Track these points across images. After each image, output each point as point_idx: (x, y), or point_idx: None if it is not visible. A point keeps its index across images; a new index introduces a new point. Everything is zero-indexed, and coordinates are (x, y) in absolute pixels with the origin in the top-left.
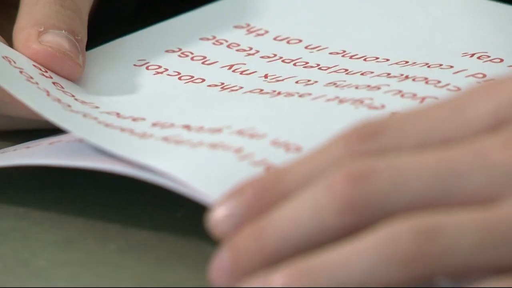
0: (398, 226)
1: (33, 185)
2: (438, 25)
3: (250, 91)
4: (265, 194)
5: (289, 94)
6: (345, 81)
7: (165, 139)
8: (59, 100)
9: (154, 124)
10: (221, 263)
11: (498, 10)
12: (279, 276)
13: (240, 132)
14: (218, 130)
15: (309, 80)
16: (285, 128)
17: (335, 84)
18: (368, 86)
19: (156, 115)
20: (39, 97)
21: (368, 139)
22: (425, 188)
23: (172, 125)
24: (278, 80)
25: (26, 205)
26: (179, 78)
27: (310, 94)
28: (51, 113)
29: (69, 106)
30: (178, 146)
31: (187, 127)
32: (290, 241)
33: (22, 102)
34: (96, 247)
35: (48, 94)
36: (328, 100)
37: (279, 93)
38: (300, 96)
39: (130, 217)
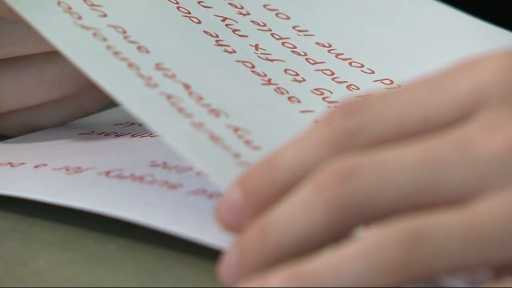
0: (384, 232)
1: None
2: (423, 38)
3: (243, 63)
4: (260, 184)
5: (279, 90)
6: (331, 92)
7: (169, 97)
8: (69, 10)
9: (157, 66)
10: (229, 260)
11: (483, 30)
12: (274, 279)
13: (236, 130)
14: (217, 115)
15: (297, 74)
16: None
17: (322, 93)
18: None
19: (158, 49)
20: (49, 11)
21: (349, 115)
22: (409, 184)
23: (173, 76)
24: (268, 59)
25: (26, 205)
26: (177, 8)
27: (299, 102)
28: (61, 37)
29: (79, 18)
30: (180, 115)
31: (188, 87)
32: (288, 240)
33: (32, 25)
34: (96, 247)
35: (59, 2)
36: (316, 121)
37: (269, 82)
38: (289, 99)
39: None
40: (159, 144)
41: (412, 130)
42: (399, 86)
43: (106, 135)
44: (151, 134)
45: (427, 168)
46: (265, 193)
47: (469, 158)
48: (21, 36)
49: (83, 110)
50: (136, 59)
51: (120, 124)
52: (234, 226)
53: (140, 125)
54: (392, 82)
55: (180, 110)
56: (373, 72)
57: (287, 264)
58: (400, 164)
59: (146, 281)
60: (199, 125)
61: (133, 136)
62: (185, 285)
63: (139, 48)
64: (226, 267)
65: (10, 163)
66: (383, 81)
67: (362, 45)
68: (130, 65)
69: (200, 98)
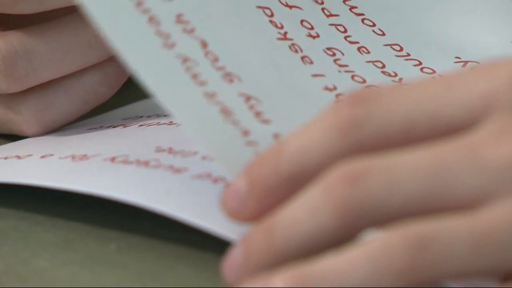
0: (391, 236)
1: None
2: (436, 5)
3: (263, 9)
4: (266, 173)
5: (293, 47)
6: (343, 54)
7: (185, 60)
8: None
9: (178, 17)
10: (233, 259)
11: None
12: (279, 279)
13: (248, 99)
14: (230, 80)
15: (312, 28)
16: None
17: (334, 54)
18: (363, 81)
19: None
20: None
21: (357, 105)
22: (418, 189)
23: (192, 30)
24: (287, 4)
25: (26, 205)
26: None
27: (311, 63)
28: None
29: None
30: (193, 83)
31: (205, 45)
32: (294, 241)
33: None
34: (96, 247)
35: None
36: (326, 88)
37: (285, 36)
38: (302, 59)
39: (130, 217)
40: (165, 131)
41: (420, 126)
42: (408, 54)
43: (114, 127)
44: (158, 123)
45: (436, 174)
46: (271, 183)
47: (477, 164)
48: None
49: (96, 98)
50: (158, 10)
51: (129, 118)
52: (238, 213)
53: (148, 117)
54: (402, 48)
55: (195, 76)
56: (384, 34)
57: (293, 265)
58: (409, 168)
59: (147, 281)
60: (211, 96)
61: (140, 126)
62: (186, 285)
63: None
64: (230, 266)
65: (17, 156)
66: (392, 46)
67: (376, 2)
68: (151, 19)
69: (215, 59)
